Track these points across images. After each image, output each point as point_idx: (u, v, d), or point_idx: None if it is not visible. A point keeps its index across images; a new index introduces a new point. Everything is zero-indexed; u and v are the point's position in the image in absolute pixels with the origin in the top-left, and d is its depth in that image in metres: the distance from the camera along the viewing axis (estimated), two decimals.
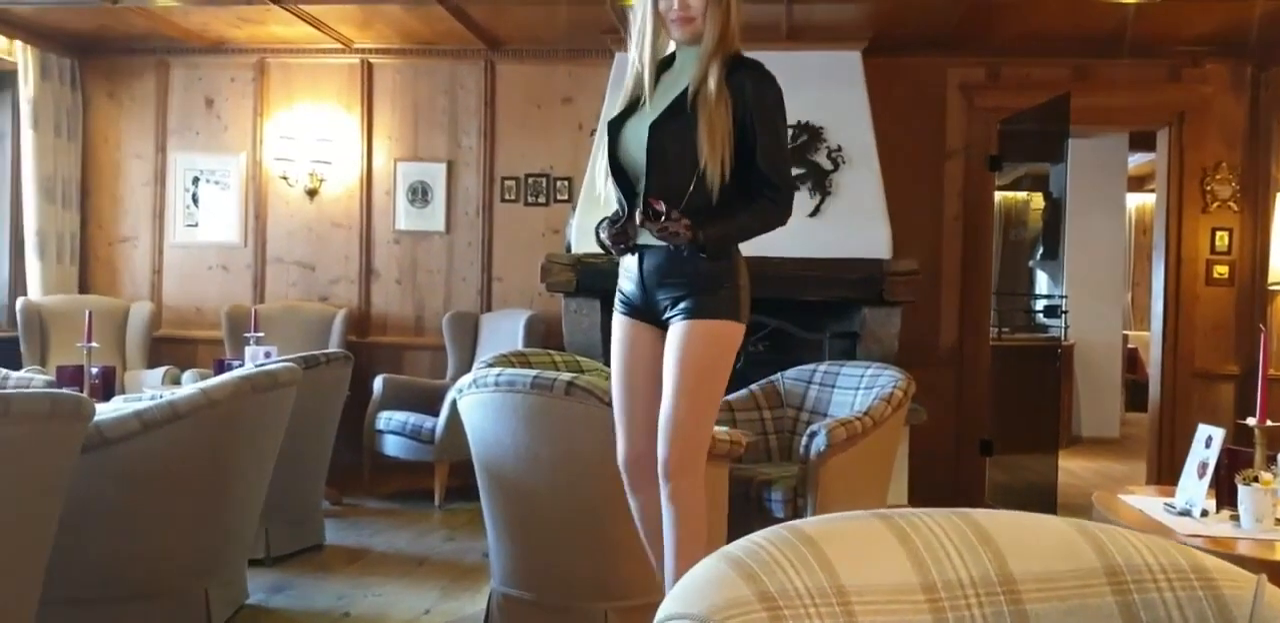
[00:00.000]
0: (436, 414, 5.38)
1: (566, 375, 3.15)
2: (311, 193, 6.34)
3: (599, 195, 2.82)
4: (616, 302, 2.83)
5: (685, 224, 2.54)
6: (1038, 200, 9.33)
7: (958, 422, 5.89)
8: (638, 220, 2.59)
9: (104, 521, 3.08)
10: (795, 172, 5.31)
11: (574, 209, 5.61)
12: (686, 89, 2.62)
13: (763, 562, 1.07)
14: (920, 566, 1.12)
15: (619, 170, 2.70)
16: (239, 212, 6.44)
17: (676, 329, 2.66)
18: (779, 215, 2.68)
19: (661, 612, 1.02)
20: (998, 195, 6.65)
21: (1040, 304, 7.56)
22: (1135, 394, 9.40)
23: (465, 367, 5.73)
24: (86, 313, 4.48)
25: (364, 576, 4.06)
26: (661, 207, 2.54)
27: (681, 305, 2.66)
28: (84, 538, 3.01)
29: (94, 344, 4.37)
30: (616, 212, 2.71)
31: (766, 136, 2.62)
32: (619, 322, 2.82)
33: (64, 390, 2.67)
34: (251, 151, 6.42)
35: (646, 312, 2.75)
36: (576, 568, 3.21)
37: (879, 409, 3.78)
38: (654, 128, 2.62)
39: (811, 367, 4.33)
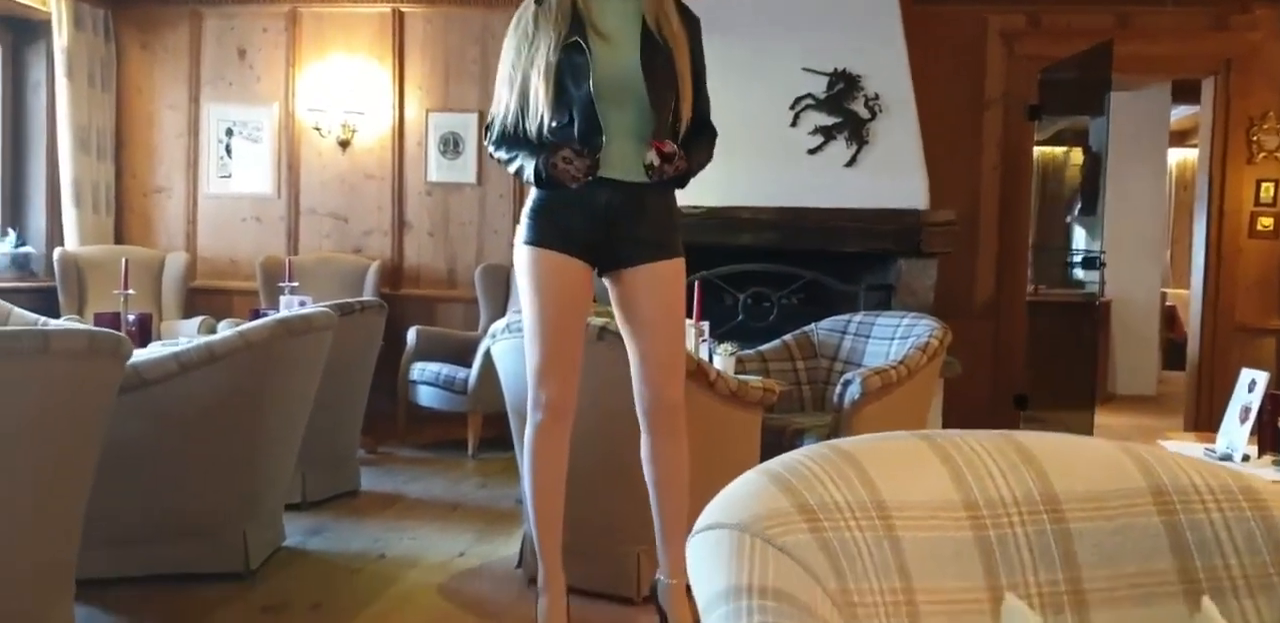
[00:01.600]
0: (469, 366, 5.40)
1: (598, 321, 3.13)
2: (344, 144, 6.34)
3: (512, 123, 2.65)
4: (541, 236, 2.66)
5: (682, 155, 2.57)
6: (1076, 155, 9.19)
7: (993, 376, 5.85)
8: (651, 161, 2.53)
9: (143, 462, 3.12)
10: (830, 120, 5.25)
11: None
12: (644, 22, 2.62)
13: (802, 476, 1.05)
14: (962, 483, 1.10)
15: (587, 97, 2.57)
16: (272, 162, 6.44)
17: (656, 269, 2.68)
18: (711, 155, 2.80)
19: (700, 522, 1.01)
20: (1036, 150, 6.55)
21: (1078, 258, 7.47)
22: (1172, 353, 9.29)
23: (497, 319, 5.73)
24: (123, 261, 4.52)
25: (399, 520, 4.10)
26: (671, 147, 2.54)
27: (653, 243, 2.67)
28: (124, 479, 3.05)
29: (130, 291, 4.40)
30: (579, 146, 2.56)
31: (702, 78, 2.75)
32: (553, 259, 2.66)
33: (102, 329, 2.69)
34: (284, 102, 6.41)
35: (595, 248, 2.68)
36: (608, 512, 3.22)
37: (914, 358, 3.74)
38: (643, 61, 2.60)
39: (846, 317, 4.29)
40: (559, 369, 2.70)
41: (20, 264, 6.00)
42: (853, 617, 0.96)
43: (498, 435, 5.19)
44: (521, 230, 2.73)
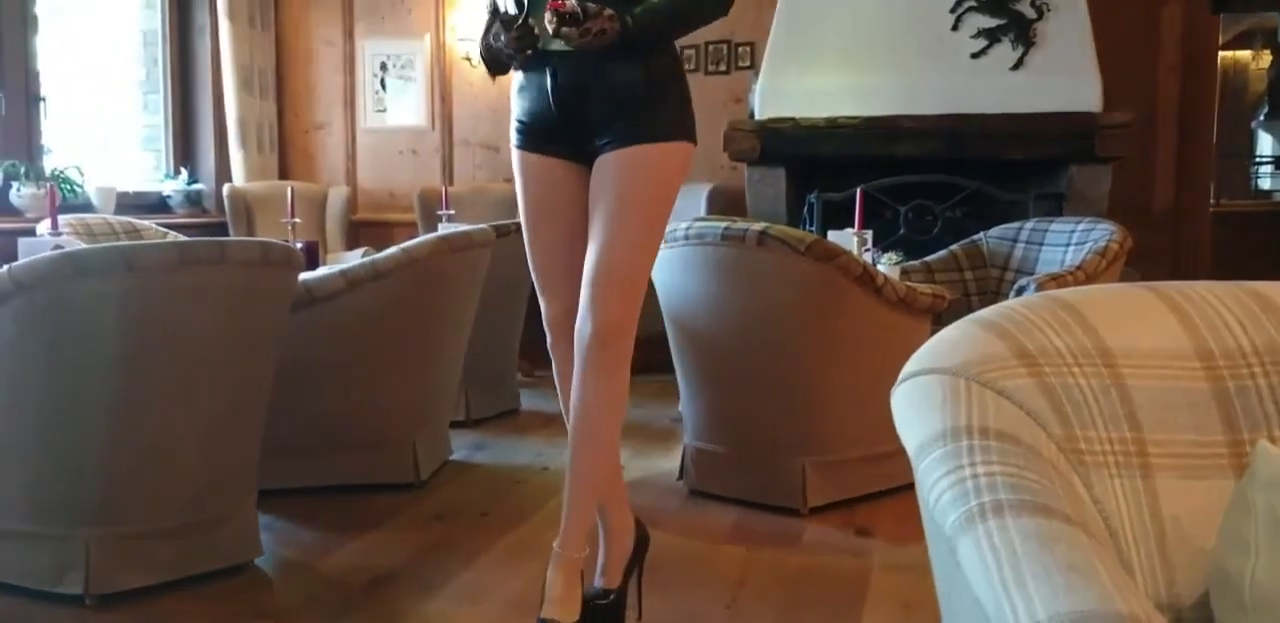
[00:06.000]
0: None
1: (759, 225, 3.05)
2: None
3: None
4: (514, 133, 2.23)
5: (609, 15, 1.99)
6: (1263, 58, 8.57)
7: None
8: (550, 30, 1.98)
9: (317, 376, 3.21)
10: (994, 22, 4.97)
11: (756, 74, 5.42)
12: None
13: (1018, 323, 0.97)
14: (1194, 333, 1.00)
15: None
16: (425, 95, 6.50)
17: (614, 159, 2.11)
18: (700, 8, 2.14)
19: (907, 368, 0.94)
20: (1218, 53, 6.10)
21: (1266, 168, 6.99)
22: None
23: None
24: (289, 190, 4.64)
25: (559, 436, 4.11)
26: (570, 5, 1.97)
27: (617, 126, 2.10)
28: (300, 392, 3.13)
29: (297, 220, 4.51)
30: (503, 10, 2.11)
31: None
32: (526, 160, 2.23)
33: (274, 241, 2.75)
34: (435, 34, 6.44)
35: (563, 140, 2.17)
36: (772, 422, 3.16)
37: (1093, 263, 3.55)
38: None
39: (1018, 224, 4.11)
40: (553, 285, 2.28)
41: (193, 201, 6.23)
42: (1080, 464, 0.87)
43: (650, 359, 5.15)
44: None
